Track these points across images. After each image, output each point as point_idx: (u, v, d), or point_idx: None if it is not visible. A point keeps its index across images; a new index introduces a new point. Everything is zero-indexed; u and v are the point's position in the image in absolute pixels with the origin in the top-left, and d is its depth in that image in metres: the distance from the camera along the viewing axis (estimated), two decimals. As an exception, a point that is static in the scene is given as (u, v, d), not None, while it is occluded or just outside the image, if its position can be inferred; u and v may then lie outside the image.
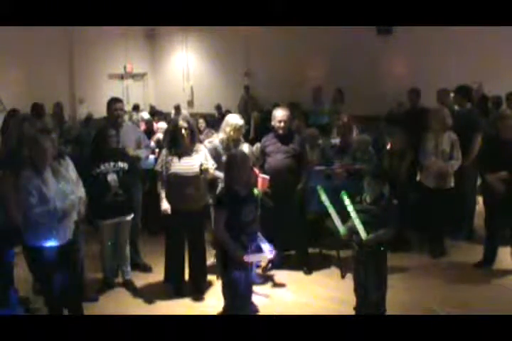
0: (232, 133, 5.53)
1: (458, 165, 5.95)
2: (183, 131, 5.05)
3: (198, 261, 5.27)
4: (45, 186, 4.21)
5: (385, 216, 4.18)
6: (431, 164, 5.97)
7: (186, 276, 5.35)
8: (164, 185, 5.13)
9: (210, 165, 5.12)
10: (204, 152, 5.21)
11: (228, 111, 12.04)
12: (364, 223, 4.16)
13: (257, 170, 5.38)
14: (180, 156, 5.07)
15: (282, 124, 5.56)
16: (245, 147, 5.60)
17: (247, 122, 9.26)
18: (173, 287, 5.26)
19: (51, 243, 4.26)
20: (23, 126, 5.45)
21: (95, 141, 5.23)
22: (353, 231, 4.23)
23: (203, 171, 5.02)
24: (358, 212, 4.18)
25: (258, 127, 10.00)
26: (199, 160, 5.07)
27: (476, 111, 6.72)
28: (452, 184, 6.00)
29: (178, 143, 5.09)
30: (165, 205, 5.11)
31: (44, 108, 8.89)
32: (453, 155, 5.92)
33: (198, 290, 5.22)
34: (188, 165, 5.04)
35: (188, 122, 5.14)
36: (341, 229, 4.27)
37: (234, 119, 5.61)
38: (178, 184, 5.02)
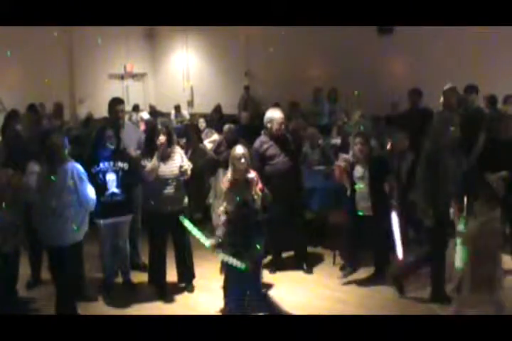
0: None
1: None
2: (160, 134, 5.05)
3: (183, 261, 5.31)
4: (60, 187, 4.28)
5: None
6: None
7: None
8: (143, 187, 5.25)
9: (187, 166, 5.16)
10: (180, 153, 5.27)
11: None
12: None
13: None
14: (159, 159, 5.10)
15: (283, 127, 5.61)
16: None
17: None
18: (156, 288, 5.27)
19: (70, 241, 4.40)
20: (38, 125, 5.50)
21: (94, 140, 5.25)
22: None
23: (183, 172, 5.07)
24: None
25: (246, 127, 9.82)
26: (178, 162, 5.12)
27: (482, 111, 6.70)
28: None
29: (155, 146, 5.08)
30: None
31: (38, 108, 8.89)
32: None
33: (186, 289, 5.32)
34: (166, 167, 5.07)
35: (165, 126, 5.16)
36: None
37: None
38: (158, 186, 5.06)
